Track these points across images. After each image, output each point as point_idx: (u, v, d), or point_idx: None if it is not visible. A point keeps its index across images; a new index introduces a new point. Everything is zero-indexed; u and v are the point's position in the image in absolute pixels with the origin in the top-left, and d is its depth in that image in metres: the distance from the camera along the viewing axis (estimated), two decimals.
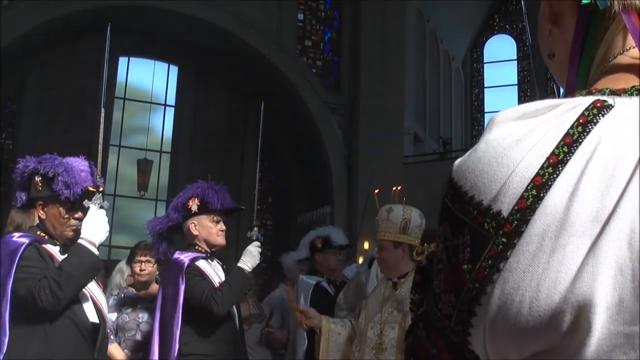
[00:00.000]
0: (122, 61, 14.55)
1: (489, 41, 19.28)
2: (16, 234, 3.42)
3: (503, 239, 0.72)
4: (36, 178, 3.44)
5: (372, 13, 14.19)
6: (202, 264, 4.03)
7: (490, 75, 19.23)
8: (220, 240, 4.17)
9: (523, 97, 18.41)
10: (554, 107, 0.77)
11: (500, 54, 19.15)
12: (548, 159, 0.72)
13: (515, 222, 0.71)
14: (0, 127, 13.37)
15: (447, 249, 0.78)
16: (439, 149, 15.54)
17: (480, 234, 0.74)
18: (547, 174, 0.71)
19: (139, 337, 4.62)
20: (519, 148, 0.74)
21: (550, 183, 0.71)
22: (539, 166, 0.72)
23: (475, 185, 0.75)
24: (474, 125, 18.88)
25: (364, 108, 13.77)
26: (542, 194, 0.71)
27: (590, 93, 0.79)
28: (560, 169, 0.71)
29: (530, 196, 0.71)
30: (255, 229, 4.39)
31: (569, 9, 0.90)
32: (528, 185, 0.72)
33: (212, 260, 4.16)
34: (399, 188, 4.32)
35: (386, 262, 3.94)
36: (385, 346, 3.70)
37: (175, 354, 3.81)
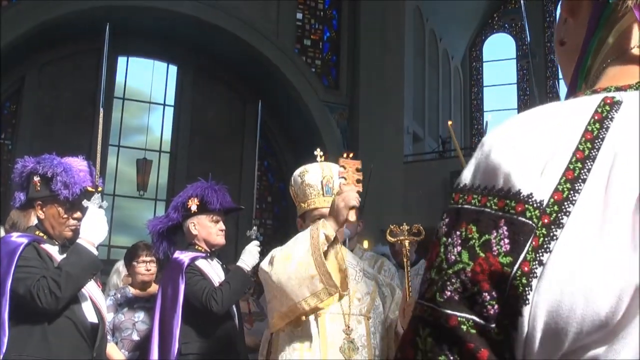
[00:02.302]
0: (121, 61, 14.54)
1: (488, 40, 19.31)
2: (15, 234, 3.42)
3: (543, 231, 0.73)
4: (35, 178, 3.44)
5: (371, 12, 14.19)
6: (201, 263, 4.03)
7: (490, 74, 19.25)
8: (220, 239, 4.17)
9: (522, 96, 18.43)
10: (564, 108, 0.80)
11: (500, 53, 19.17)
12: (574, 153, 0.75)
13: (554, 214, 0.73)
14: (0, 128, 13.36)
15: (468, 248, 0.75)
16: (438, 148, 15.55)
17: (520, 223, 0.73)
18: (577, 168, 0.74)
19: (135, 336, 4.61)
20: (546, 142, 0.76)
21: (583, 177, 0.74)
22: (567, 160, 0.75)
23: (509, 179, 0.75)
24: (473, 124, 18.90)
25: (363, 107, 13.78)
26: (577, 187, 0.73)
27: (595, 92, 0.83)
28: (590, 164, 0.74)
29: (565, 189, 0.73)
30: (255, 228, 4.39)
31: (585, 3, 0.92)
32: (561, 178, 0.74)
33: (212, 260, 4.16)
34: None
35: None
36: (357, 346, 3.04)
37: (175, 353, 3.81)
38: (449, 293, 0.75)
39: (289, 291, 2.72)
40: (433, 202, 11.37)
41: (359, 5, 14.39)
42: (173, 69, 15.20)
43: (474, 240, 0.75)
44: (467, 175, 0.80)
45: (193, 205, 4.10)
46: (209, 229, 4.12)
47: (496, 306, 0.73)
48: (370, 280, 3.21)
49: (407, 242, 3.30)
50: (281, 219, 14.82)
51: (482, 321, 0.73)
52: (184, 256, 4.01)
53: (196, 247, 4.12)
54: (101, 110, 4.05)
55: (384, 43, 13.92)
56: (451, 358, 0.74)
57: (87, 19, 11.82)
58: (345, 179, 2.89)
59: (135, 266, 4.87)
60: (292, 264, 2.72)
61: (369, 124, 13.55)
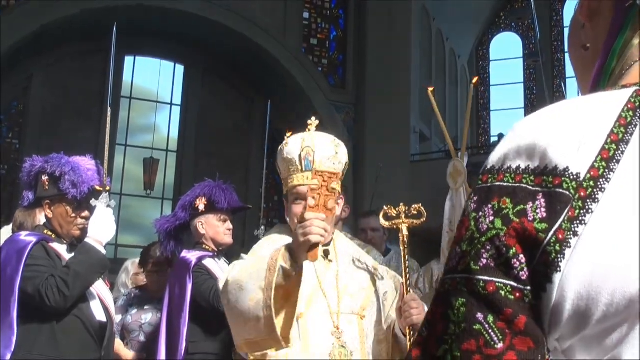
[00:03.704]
0: (128, 60, 14.56)
1: (494, 39, 19.26)
2: (23, 233, 3.43)
3: (579, 203, 0.76)
4: (43, 177, 3.45)
5: (378, 11, 14.17)
6: (209, 262, 4.04)
7: (496, 73, 19.20)
8: (227, 239, 4.18)
9: (529, 95, 18.38)
10: (596, 98, 0.85)
11: (506, 52, 19.12)
12: (609, 136, 0.79)
13: (590, 189, 0.76)
14: (7, 127, 13.40)
15: (502, 216, 0.77)
16: (445, 147, 15.52)
17: (557, 194, 0.76)
18: (612, 149, 0.78)
19: (142, 338, 4.63)
20: (580, 123, 0.80)
21: (618, 158, 0.78)
22: (602, 141, 0.79)
23: (545, 156, 0.78)
24: (480, 124, 18.86)
25: (370, 107, 13.76)
26: (612, 166, 0.78)
27: (624, 87, 0.87)
28: (624, 146, 0.79)
29: (601, 167, 0.77)
30: (262, 227, 4.40)
31: (606, 7, 0.96)
32: (597, 156, 0.78)
33: (219, 259, 4.16)
34: None
35: (331, 218, 2.68)
36: (350, 350, 2.61)
37: (182, 352, 3.81)
38: (484, 261, 0.76)
39: (240, 327, 2.40)
40: (440, 202, 11.34)
41: (366, 5, 14.37)
42: (180, 68, 15.21)
43: (507, 210, 0.77)
44: (495, 158, 0.83)
45: (201, 204, 4.11)
46: (216, 228, 4.13)
47: (529, 269, 0.75)
48: (367, 273, 2.77)
49: (404, 227, 2.76)
50: None
51: (519, 285, 0.75)
52: (192, 255, 4.02)
53: (204, 246, 4.13)
54: (109, 109, 4.06)
55: (390, 42, 13.90)
56: (486, 326, 0.74)
57: (94, 19, 11.83)
58: (314, 199, 2.35)
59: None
60: (244, 298, 2.34)
61: (376, 124, 13.53)
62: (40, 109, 13.39)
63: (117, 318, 4.53)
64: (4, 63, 11.21)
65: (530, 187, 0.77)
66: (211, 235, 4.13)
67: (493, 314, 0.74)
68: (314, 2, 14.76)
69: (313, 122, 2.85)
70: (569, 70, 17.92)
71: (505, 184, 0.79)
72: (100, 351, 3.37)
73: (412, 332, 2.57)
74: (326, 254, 2.69)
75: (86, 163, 3.53)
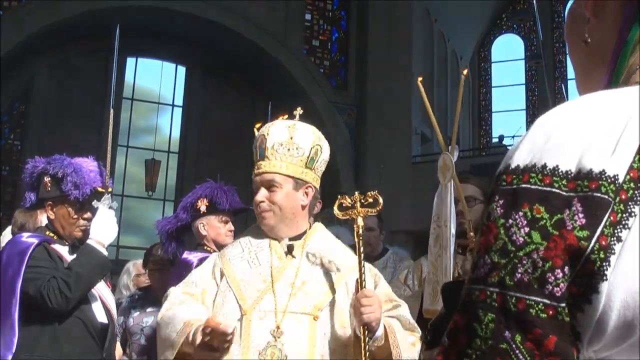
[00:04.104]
0: (130, 62, 14.58)
1: (496, 40, 19.26)
2: (25, 234, 3.42)
3: (620, 207, 0.72)
4: (45, 178, 3.45)
5: (380, 13, 14.17)
6: None
7: (498, 74, 19.19)
8: (229, 240, 4.17)
9: (531, 97, 18.37)
10: (621, 94, 0.81)
11: (508, 53, 19.11)
12: None
13: (631, 191, 0.73)
14: (9, 128, 13.40)
15: (539, 228, 0.73)
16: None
17: (595, 199, 0.73)
18: None
19: (143, 341, 4.62)
20: (612, 122, 0.76)
21: None
22: (639, 140, 0.75)
23: (578, 159, 0.74)
24: (481, 125, 18.85)
25: (372, 108, 13.76)
26: None
27: None
28: None
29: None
30: None
31: (614, 2, 0.93)
32: (635, 156, 0.74)
33: None
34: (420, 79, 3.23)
35: (280, 210, 2.57)
36: (285, 353, 2.38)
37: None
38: (519, 275, 0.73)
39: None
40: None
41: (368, 6, 14.37)
42: (182, 69, 15.23)
43: (544, 220, 0.73)
44: (519, 156, 0.79)
45: (202, 205, 4.11)
46: (218, 229, 4.13)
47: (566, 285, 0.71)
48: (332, 272, 2.54)
49: (360, 218, 2.51)
50: None
51: (553, 302, 0.71)
52: (193, 257, 4.01)
53: (205, 247, 4.12)
54: (111, 110, 4.05)
55: (392, 44, 13.91)
56: (513, 346, 0.71)
57: (96, 20, 11.85)
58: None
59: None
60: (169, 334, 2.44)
61: (377, 125, 13.54)
62: (42, 110, 13.40)
63: (119, 320, 4.53)
64: (6, 64, 11.22)
65: (564, 193, 0.73)
66: (212, 236, 4.13)
67: (521, 334, 0.71)
68: (316, 3, 14.78)
69: (298, 111, 2.82)
70: (571, 72, 17.87)
71: (534, 187, 0.75)
72: (101, 353, 3.36)
73: (366, 332, 2.34)
74: (290, 249, 2.55)
75: (88, 164, 3.52)
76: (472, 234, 2.88)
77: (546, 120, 0.79)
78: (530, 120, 17.83)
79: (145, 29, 13.05)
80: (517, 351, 0.71)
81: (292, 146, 2.59)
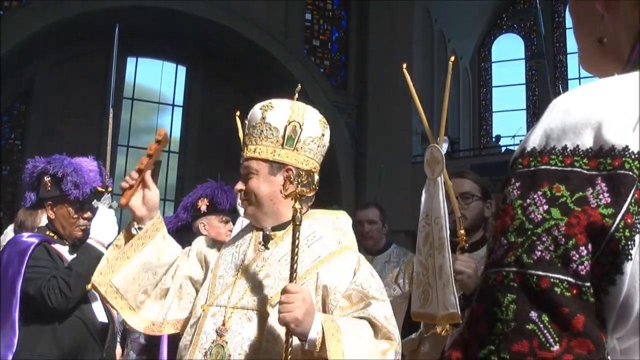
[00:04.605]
0: (131, 62, 14.59)
1: (497, 40, 19.26)
2: (25, 234, 3.43)
3: None
4: (45, 178, 3.45)
5: (380, 13, 14.17)
6: None
7: (498, 74, 19.20)
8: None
9: (531, 96, 18.37)
10: (633, 76, 0.78)
11: (508, 53, 19.11)
12: None
13: None
14: (9, 128, 13.41)
15: (559, 205, 0.70)
16: (447, 148, 15.49)
17: (620, 176, 0.70)
18: None
19: (142, 340, 4.62)
20: (631, 101, 0.74)
21: None
22: None
23: (598, 136, 0.72)
24: (482, 125, 18.85)
25: (372, 108, 13.76)
26: None
27: None
28: None
29: None
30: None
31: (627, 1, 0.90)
32: None
33: None
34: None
35: (257, 198, 2.30)
36: (229, 352, 2.14)
37: None
38: (539, 253, 0.69)
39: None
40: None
41: (368, 6, 14.37)
42: (182, 69, 15.23)
43: (564, 198, 0.70)
44: (535, 139, 0.76)
45: (203, 205, 4.10)
46: (218, 229, 4.13)
47: (590, 263, 0.68)
48: (306, 265, 2.23)
49: (297, 202, 2.11)
50: None
51: (578, 281, 0.68)
52: None
53: None
54: (111, 110, 4.05)
55: (392, 44, 13.90)
56: (541, 326, 0.67)
57: (96, 20, 11.85)
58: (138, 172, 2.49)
59: None
60: None
61: (378, 125, 13.53)
62: (42, 110, 13.41)
63: (119, 318, 4.53)
64: (7, 64, 11.22)
65: (586, 172, 0.70)
66: (213, 236, 4.12)
67: (548, 313, 0.67)
68: (316, 3, 14.78)
69: (297, 89, 2.58)
70: (571, 72, 17.91)
71: (553, 168, 0.72)
72: (102, 352, 3.37)
73: (289, 334, 2.01)
74: (265, 240, 2.29)
75: (88, 164, 3.52)
76: (462, 231, 2.73)
77: (561, 102, 0.77)
78: (530, 120, 17.83)
79: (146, 29, 13.05)
80: (545, 331, 0.67)
81: (265, 127, 2.36)
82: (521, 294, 0.69)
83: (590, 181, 0.70)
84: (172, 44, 14.17)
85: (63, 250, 3.43)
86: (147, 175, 2.52)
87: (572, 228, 0.69)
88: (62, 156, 3.54)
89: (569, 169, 0.71)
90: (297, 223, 2.09)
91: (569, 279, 0.68)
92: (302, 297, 2.00)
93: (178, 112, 15.25)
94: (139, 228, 2.44)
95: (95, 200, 3.41)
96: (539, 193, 0.71)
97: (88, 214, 3.46)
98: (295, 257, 2.07)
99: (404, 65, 3.02)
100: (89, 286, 2.54)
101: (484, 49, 19.23)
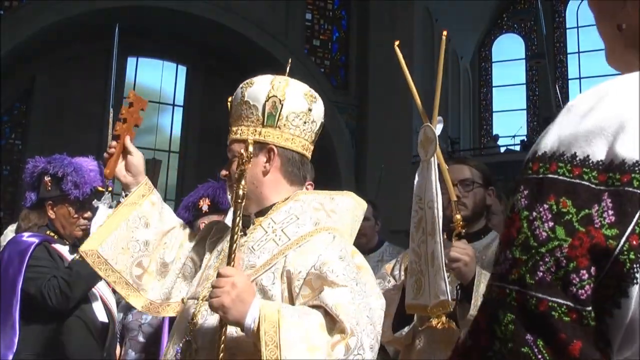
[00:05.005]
0: (131, 61, 14.58)
1: (497, 40, 19.26)
2: (26, 234, 3.43)
3: None
4: (46, 178, 3.45)
5: (380, 13, 14.17)
6: None
7: (499, 74, 19.19)
8: None
9: (531, 97, 18.36)
10: None
11: (509, 53, 19.11)
12: None
13: None
14: (9, 128, 13.41)
15: (564, 223, 0.67)
16: (447, 148, 15.52)
17: (627, 194, 0.66)
18: None
19: (141, 338, 4.62)
20: None
21: None
22: None
23: (611, 148, 0.68)
24: (482, 125, 18.84)
25: (372, 108, 13.76)
26: None
27: None
28: None
29: None
30: None
31: None
32: None
33: None
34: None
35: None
36: (196, 346, 2.01)
37: None
38: (540, 274, 0.67)
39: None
40: (443, 203, 11.32)
41: (368, 6, 14.37)
42: (182, 69, 15.23)
43: (570, 215, 0.67)
44: (547, 142, 0.73)
45: (204, 205, 4.10)
46: None
47: (592, 287, 0.65)
48: (266, 254, 2.04)
49: (242, 180, 1.96)
50: None
51: (577, 305, 0.65)
52: None
53: None
54: (111, 110, 4.06)
55: (392, 43, 13.87)
56: (535, 350, 0.66)
57: (97, 20, 11.85)
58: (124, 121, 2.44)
59: None
60: None
61: (378, 125, 13.53)
62: (43, 109, 13.41)
63: (119, 317, 4.53)
64: (7, 64, 11.22)
65: (594, 187, 0.67)
66: None
67: (543, 338, 0.66)
68: (316, 3, 14.78)
69: (288, 64, 2.46)
70: (571, 72, 17.91)
71: (562, 178, 0.69)
72: (102, 352, 3.37)
73: (222, 322, 1.89)
74: (245, 226, 2.13)
75: (88, 164, 3.53)
76: (458, 216, 2.57)
77: (577, 105, 0.74)
78: (530, 120, 17.83)
79: (146, 28, 13.05)
80: (539, 356, 0.66)
81: (245, 106, 2.19)
82: (520, 315, 0.67)
83: (597, 197, 0.67)
84: (172, 43, 14.17)
85: (63, 250, 3.43)
86: (127, 140, 2.45)
87: (575, 250, 0.66)
88: (62, 156, 3.54)
89: (577, 181, 0.69)
90: (239, 200, 1.95)
91: (568, 303, 0.66)
92: (232, 282, 1.85)
93: (178, 112, 15.26)
94: (127, 196, 2.38)
95: (95, 200, 3.41)
96: (545, 207, 0.69)
97: (88, 214, 3.46)
98: (235, 236, 1.93)
99: (396, 43, 2.84)
100: (76, 256, 2.46)
101: (484, 48, 19.23)
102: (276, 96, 2.18)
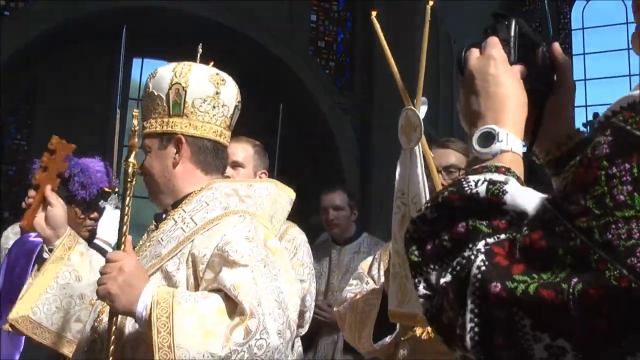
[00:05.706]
0: (136, 62, 14.61)
1: None
2: (32, 234, 3.44)
3: None
4: None
5: (386, 14, 14.17)
6: None
7: None
8: None
9: None
10: None
11: None
12: None
13: None
14: (15, 128, 13.44)
15: None
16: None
17: None
18: None
19: None
20: None
21: None
22: None
23: None
24: None
25: (377, 109, 13.75)
26: None
27: None
28: None
29: None
30: None
31: None
32: None
33: None
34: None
35: (152, 177, 2.13)
36: (101, 345, 1.96)
37: None
38: (609, 236, 0.64)
39: None
40: None
41: (373, 7, 14.36)
42: None
43: None
44: None
45: None
46: None
47: None
48: (172, 243, 1.93)
49: (132, 157, 1.97)
50: (295, 220, 14.80)
51: (630, 275, 0.63)
52: None
53: None
54: (117, 111, 4.07)
55: (397, 45, 13.87)
56: (571, 290, 0.64)
57: (103, 21, 11.87)
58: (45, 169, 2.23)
59: None
60: None
61: (383, 126, 13.52)
62: (48, 110, 13.42)
63: None
64: (13, 64, 11.25)
65: None
66: None
67: (586, 285, 0.64)
68: (321, 4, 14.77)
69: (199, 49, 2.34)
70: (577, 73, 17.89)
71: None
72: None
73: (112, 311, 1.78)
74: (158, 219, 2.12)
75: (95, 165, 3.54)
76: None
77: None
78: None
79: (152, 30, 13.06)
80: (571, 290, 0.65)
81: (150, 98, 2.11)
82: (577, 266, 0.66)
83: None
84: (178, 45, 14.18)
85: None
86: (47, 190, 2.34)
87: None
88: (68, 156, 3.55)
89: None
90: (129, 179, 1.92)
91: (624, 270, 0.64)
92: (119, 267, 1.75)
93: None
94: (50, 250, 2.24)
95: (102, 201, 3.42)
96: (626, 166, 0.65)
97: (95, 215, 3.47)
98: (125, 217, 1.87)
99: (374, 14, 2.52)
100: (5, 327, 2.28)
101: None
102: (179, 83, 2.09)
